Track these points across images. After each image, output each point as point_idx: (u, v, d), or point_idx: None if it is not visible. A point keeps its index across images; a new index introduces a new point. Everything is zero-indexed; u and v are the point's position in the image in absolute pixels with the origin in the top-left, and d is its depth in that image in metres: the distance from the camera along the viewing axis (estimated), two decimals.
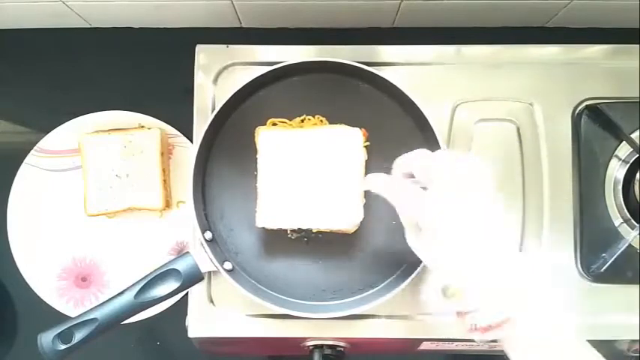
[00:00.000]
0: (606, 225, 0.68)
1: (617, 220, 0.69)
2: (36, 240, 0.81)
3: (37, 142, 0.82)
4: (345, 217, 0.65)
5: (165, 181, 0.80)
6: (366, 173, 0.68)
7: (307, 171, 0.65)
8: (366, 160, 0.68)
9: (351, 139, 0.66)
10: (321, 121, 0.69)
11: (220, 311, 0.68)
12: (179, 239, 0.82)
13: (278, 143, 0.66)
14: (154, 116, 0.82)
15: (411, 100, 0.66)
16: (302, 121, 0.69)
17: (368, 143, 0.68)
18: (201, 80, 0.71)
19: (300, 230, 0.68)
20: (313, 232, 0.68)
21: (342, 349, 0.69)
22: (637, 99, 0.69)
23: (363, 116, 0.69)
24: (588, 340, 0.66)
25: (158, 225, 0.82)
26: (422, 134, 0.68)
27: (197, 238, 0.66)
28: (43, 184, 0.82)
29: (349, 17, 0.82)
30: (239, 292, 0.65)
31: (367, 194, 0.66)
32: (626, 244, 0.67)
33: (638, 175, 0.69)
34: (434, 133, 0.66)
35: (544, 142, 0.70)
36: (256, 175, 0.66)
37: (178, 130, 0.82)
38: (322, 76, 0.69)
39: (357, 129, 0.66)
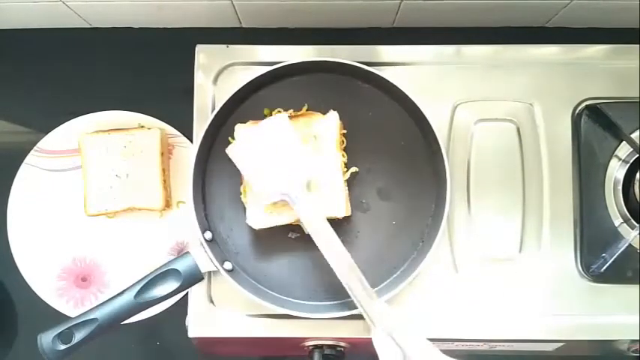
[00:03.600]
0: (606, 225, 0.68)
1: (617, 220, 0.69)
2: (36, 240, 0.81)
3: (37, 142, 0.82)
4: (331, 203, 0.65)
5: (165, 181, 0.80)
6: (366, 173, 0.69)
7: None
8: (366, 160, 0.68)
9: (326, 124, 0.66)
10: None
11: (220, 311, 0.68)
12: (179, 239, 0.82)
13: (253, 138, 0.66)
14: (154, 116, 0.82)
15: (411, 100, 0.66)
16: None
17: (345, 131, 0.68)
18: (201, 80, 0.71)
19: (299, 230, 0.68)
20: None
21: (342, 349, 0.69)
22: (637, 99, 0.69)
23: (363, 116, 0.69)
24: (588, 340, 0.66)
25: (158, 225, 0.82)
26: (422, 134, 0.68)
27: (197, 238, 0.66)
28: (43, 184, 0.82)
29: (349, 17, 0.82)
30: (239, 292, 0.65)
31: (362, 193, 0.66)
32: (626, 244, 0.67)
33: (638, 175, 0.69)
34: (434, 133, 0.66)
35: (544, 142, 0.70)
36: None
37: (178, 130, 0.82)
38: (322, 76, 0.69)
39: (333, 112, 0.67)
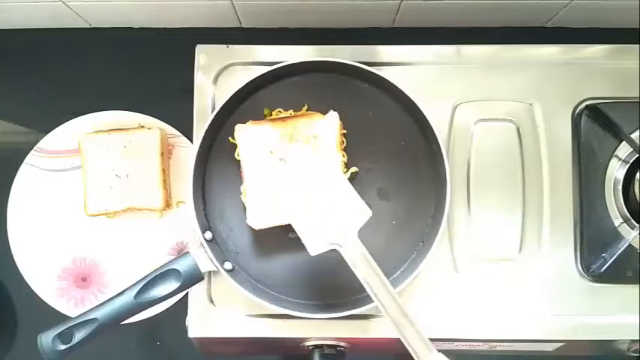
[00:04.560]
0: (606, 225, 0.68)
1: (617, 220, 0.69)
2: (36, 240, 0.81)
3: (37, 142, 0.82)
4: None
5: (165, 181, 0.80)
6: (366, 173, 0.69)
7: (287, 162, 0.65)
8: (366, 160, 0.68)
9: (326, 124, 0.66)
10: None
11: (220, 311, 0.68)
12: (179, 239, 0.82)
13: (256, 138, 0.66)
14: (154, 116, 0.82)
15: (411, 100, 0.66)
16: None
17: (345, 131, 0.68)
18: (201, 80, 0.71)
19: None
20: None
21: (342, 349, 0.69)
22: (637, 99, 0.69)
23: (363, 116, 0.69)
24: (588, 340, 0.66)
25: (158, 225, 0.82)
26: (422, 134, 0.68)
27: (197, 238, 0.66)
28: (43, 184, 0.82)
29: (349, 17, 0.82)
30: (239, 292, 0.65)
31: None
32: (626, 244, 0.67)
33: (638, 175, 0.69)
34: (434, 133, 0.66)
35: (544, 142, 0.70)
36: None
37: (178, 130, 0.82)
38: (322, 76, 0.69)
39: (333, 112, 0.66)
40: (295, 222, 0.60)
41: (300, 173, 0.61)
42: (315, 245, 0.59)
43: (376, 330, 0.68)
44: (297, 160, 0.62)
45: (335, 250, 0.59)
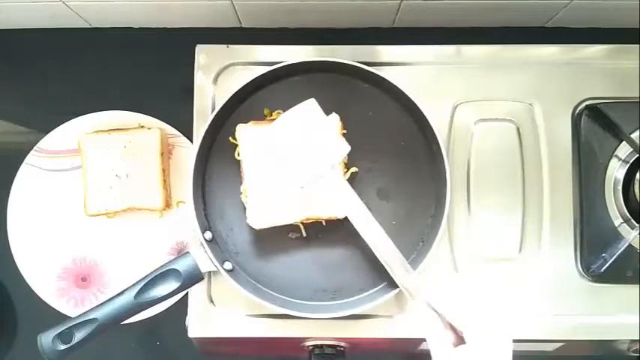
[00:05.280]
0: (606, 225, 0.68)
1: (617, 220, 0.69)
2: (36, 240, 0.81)
3: (37, 142, 0.82)
4: (331, 203, 0.65)
5: (165, 181, 0.80)
6: (366, 173, 0.69)
7: (287, 162, 0.65)
8: (366, 160, 0.68)
9: (324, 125, 0.66)
10: None
11: (220, 311, 0.68)
12: (179, 239, 0.82)
13: (257, 138, 0.66)
14: (154, 116, 0.82)
15: (411, 100, 0.66)
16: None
17: (345, 131, 0.68)
18: (201, 80, 0.71)
19: (299, 230, 0.68)
20: (311, 230, 0.68)
21: (342, 349, 0.69)
22: (637, 99, 0.70)
23: (363, 116, 0.69)
24: (588, 340, 0.66)
25: (158, 225, 0.82)
26: (422, 134, 0.68)
27: (197, 238, 0.66)
28: (43, 184, 0.82)
29: (349, 17, 0.82)
30: (239, 292, 0.65)
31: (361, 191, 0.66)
32: (626, 244, 0.67)
33: (638, 175, 0.69)
34: (434, 133, 0.66)
35: (544, 142, 0.70)
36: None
37: (178, 130, 0.82)
38: (322, 76, 0.69)
39: (334, 114, 0.66)
40: (281, 160, 0.63)
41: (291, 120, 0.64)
42: (301, 179, 0.63)
43: (376, 330, 0.68)
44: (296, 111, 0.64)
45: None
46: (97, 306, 0.64)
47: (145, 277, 0.64)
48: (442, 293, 0.61)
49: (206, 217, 0.68)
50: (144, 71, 0.85)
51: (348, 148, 0.63)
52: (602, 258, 0.68)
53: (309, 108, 0.64)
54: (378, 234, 0.63)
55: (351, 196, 0.63)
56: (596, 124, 0.69)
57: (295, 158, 0.63)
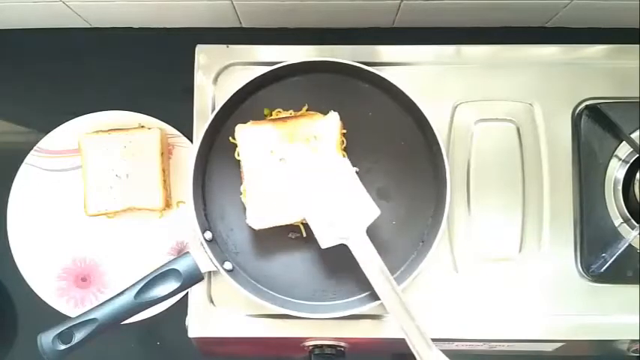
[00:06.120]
0: (606, 225, 0.68)
1: (617, 220, 0.69)
2: (36, 240, 0.81)
3: (37, 142, 0.82)
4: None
5: (165, 181, 0.80)
6: (366, 173, 0.69)
7: (287, 163, 0.66)
8: (366, 160, 0.68)
9: (326, 125, 0.66)
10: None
11: (220, 311, 0.68)
12: (179, 239, 0.82)
13: (256, 138, 0.66)
14: (154, 116, 0.82)
15: (411, 100, 0.66)
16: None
17: (345, 131, 0.68)
18: (201, 80, 0.71)
19: (299, 230, 0.68)
20: (312, 230, 0.68)
21: (342, 349, 0.69)
22: (637, 99, 0.69)
23: (363, 116, 0.69)
24: (588, 340, 0.66)
25: (158, 225, 0.82)
26: (422, 134, 0.68)
27: (197, 238, 0.66)
28: (43, 184, 0.82)
29: (349, 17, 0.82)
30: (239, 292, 0.65)
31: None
32: (626, 244, 0.67)
33: (638, 175, 0.69)
34: (434, 133, 0.66)
35: (544, 142, 0.70)
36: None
37: (178, 130, 0.82)
38: (322, 76, 0.69)
39: (333, 112, 0.66)
40: (308, 216, 0.64)
41: (312, 169, 0.65)
42: (325, 238, 0.64)
43: (376, 330, 0.68)
44: (308, 158, 0.65)
45: (344, 245, 0.64)
46: (97, 306, 0.64)
47: (145, 277, 0.65)
48: None
49: (206, 217, 0.68)
50: (144, 71, 0.85)
51: (378, 212, 0.64)
52: (602, 258, 0.68)
53: (343, 165, 0.64)
54: (401, 306, 0.62)
55: (375, 260, 0.63)
56: (596, 124, 0.69)
57: (323, 216, 0.64)
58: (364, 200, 0.64)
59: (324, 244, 0.64)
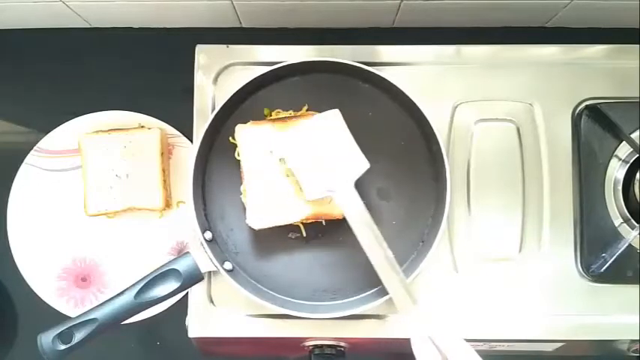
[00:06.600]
0: (606, 225, 0.68)
1: (617, 220, 0.69)
2: (36, 240, 0.81)
3: (37, 142, 0.82)
4: (331, 203, 0.65)
5: (165, 181, 0.80)
6: (366, 173, 0.69)
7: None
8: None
9: (330, 122, 0.66)
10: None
11: (220, 311, 0.68)
12: (179, 239, 0.82)
13: (256, 138, 0.66)
14: (154, 116, 0.82)
15: (411, 100, 0.66)
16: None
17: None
18: (201, 80, 0.71)
19: (299, 230, 0.68)
20: (311, 230, 0.68)
21: (342, 349, 0.69)
22: (637, 99, 0.69)
23: (363, 116, 0.69)
24: (588, 340, 0.66)
25: (158, 225, 0.82)
26: (422, 134, 0.68)
27: (197, 238, 0.66)
28: (43, 184, 0.82)
29: (349, 17, 0.82)
30: (239, 292, 0.65)
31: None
32: (626, 244, 0.67)
33: (638, 175, 0.69)
34: (434, 133, 0.66)
35: (544, 142, 0.70)
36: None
37: (178, 130, 0.82)
38: (322, 76, 0.69)
39: (335, 110, 0.66)
40: (296, 166, 0.64)
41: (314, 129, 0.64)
42: (312, 190, 0.63)
43: (376, 330, 0.68)
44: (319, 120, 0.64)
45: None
46: (97, 306, 0.64)
47: (145, 277, 0.65)
48: (447, 331, 0.58)
49: (206, 217, 0.68)
50: (144, 71, 0.85)
51: (367, 165, 0.63)
52: (602, 258, 0.68)
53: (333, 118, 0.63)
54: (386, 260, 0.62)
55: (362, 213, 0.62)
56: (596, 124, 0.69)
57: (310, 168, 0.63)
58: (354, 153, 0.63)
59: (311, 195, 0.63)
